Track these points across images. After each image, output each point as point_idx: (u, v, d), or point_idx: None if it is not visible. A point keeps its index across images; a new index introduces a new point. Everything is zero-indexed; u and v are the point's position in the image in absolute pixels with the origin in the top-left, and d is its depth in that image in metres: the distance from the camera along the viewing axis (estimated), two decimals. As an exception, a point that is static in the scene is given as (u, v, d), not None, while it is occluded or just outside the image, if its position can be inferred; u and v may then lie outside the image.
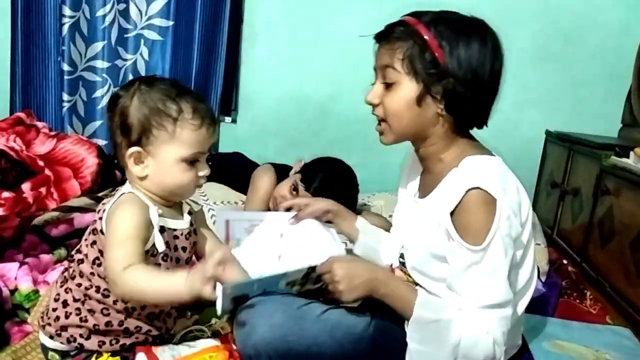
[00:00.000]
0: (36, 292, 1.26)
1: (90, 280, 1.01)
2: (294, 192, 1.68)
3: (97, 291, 1.01)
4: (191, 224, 1.08)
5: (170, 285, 0.90)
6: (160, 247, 0.98)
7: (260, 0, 2.41)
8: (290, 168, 1.81)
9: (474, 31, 1.00)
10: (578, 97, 2.37)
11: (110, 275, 0.94)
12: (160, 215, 0.99)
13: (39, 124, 2.05)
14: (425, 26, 0.99)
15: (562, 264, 1.84)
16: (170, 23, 2.33)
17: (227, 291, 0.91)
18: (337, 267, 1.00)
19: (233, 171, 2.04)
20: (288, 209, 1.65)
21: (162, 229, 1.00)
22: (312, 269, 1.03)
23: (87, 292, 1.01)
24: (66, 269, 1.08)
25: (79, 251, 1.05)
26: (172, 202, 1.06)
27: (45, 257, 1.40)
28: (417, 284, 1.12)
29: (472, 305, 0.97)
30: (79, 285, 1.02)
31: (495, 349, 0.96)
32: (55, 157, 1.96)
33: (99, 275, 1.00)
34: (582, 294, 1.64)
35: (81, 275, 1.02)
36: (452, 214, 0.97)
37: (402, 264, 1.17)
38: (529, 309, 1.48)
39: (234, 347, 1.09)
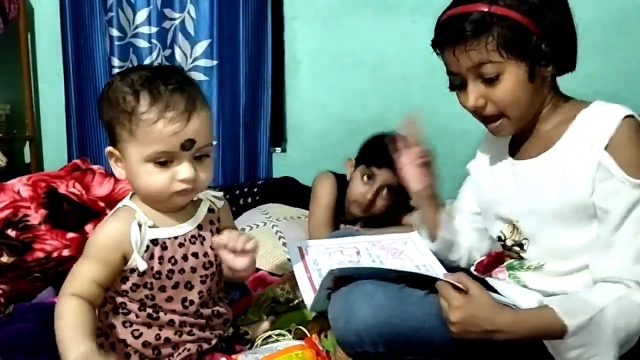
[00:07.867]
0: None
1: (104, 307, 0.95)
2: (368, 179, 1.61)
3: (116, 312, 0.94)
4: (199, 227, 0.96)
5: (66, 342, 0.82)
6: (142, 266, 0.89)
7: (299, 30, 2.44)
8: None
9: None
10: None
11: (63, 287, 0.89)
12: (153, 227, 0.90)
13: (95, 167, 2.08)
14: (497, 5, 0.92)
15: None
16: (215, 62, 2.37)
17: (334, 272, 0.91)
18: (456, 307, 0.87)
19: (287, 192, 1.99)
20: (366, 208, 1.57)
21: (155, 242, 0.90)
22: (425, 277, 0.95)
23: (107, 321, 0.95)
24: None
25: None
26: (174, 207, 0.94)
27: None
28: (522, 258, 1.00)
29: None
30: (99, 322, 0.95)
31: None
32: (115, 197, 1.96)
33: (110, 298, 0.94)
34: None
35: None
36: (605, 148, 0.87)
37: (503, 245, 1.05)
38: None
39: (320, 347, 1.02)
